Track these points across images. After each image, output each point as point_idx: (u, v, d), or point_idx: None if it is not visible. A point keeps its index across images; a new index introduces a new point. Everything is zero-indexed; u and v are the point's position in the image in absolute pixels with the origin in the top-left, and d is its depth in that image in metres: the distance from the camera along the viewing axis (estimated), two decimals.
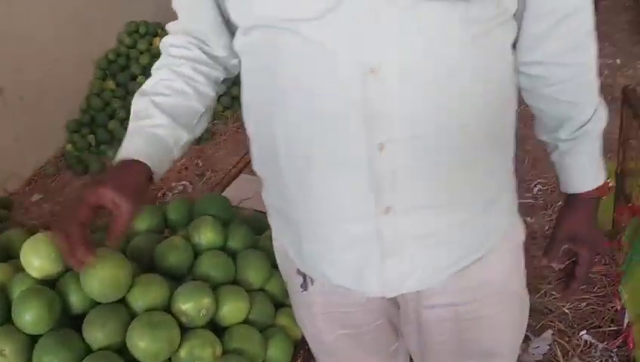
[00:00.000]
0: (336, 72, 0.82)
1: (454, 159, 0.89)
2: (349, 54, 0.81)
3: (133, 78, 3.69)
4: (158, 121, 0.97)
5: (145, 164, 0.93)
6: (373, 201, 0.89)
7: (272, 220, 1.08)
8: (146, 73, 3.54)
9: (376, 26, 0.80)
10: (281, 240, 1.08)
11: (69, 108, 3.54)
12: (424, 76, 0.82)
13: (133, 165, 0.93)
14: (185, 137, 1.00)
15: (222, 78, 1.06)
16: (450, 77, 0.84)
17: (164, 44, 1.04)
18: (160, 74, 1.02)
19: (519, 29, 0.94)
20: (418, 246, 0.93)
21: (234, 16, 0.92)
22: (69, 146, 3.45)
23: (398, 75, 0.82)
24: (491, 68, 0.89)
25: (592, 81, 1.01)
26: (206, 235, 1.28)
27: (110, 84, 3.65)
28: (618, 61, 3.84)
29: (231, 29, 0.98)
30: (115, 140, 3.47)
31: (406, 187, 0.88)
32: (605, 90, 1.03)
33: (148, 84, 1.02)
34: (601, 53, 3.22)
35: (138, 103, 1.00)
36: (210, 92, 1.04)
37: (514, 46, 0.95)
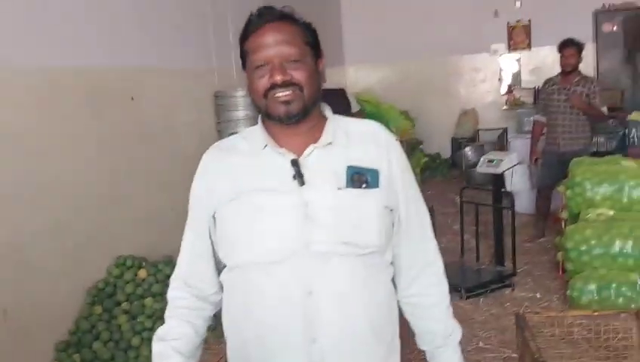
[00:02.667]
0: (287, 293, 1.41)
1: (363, 351, 1.45)
2: (296, 283, 1.41)
3: (118, 304, 4.19)
4: (177, 360, 1.50)
5: None
6: None
7: None
8: (130, 299, 4.10)
9: (311, 268, 1.41)
10: None
11: (58, 329, 3.98)
12: (340, 297, 1.42)
13: None
14: None
15: (212, 314, 1.62)
16: (355, 297, 1.44)
17: (171, 298, 1.60)
18: (172, 322, 1.56)
19: (398, 272, 1.56)
20: None
21: (224, 261, 1.52)
22: None
23: (322, 295, 1.41)
24: (381, 293, 1.51)
25: (449, 306, 1.63)
26: None
27: (98, 309, 4.14)
28: (538, 295, 4.50)
29: (219, 268, 1.57)
30: (97, 360, 3.87)
31: None
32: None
33: (165, 331, 1.55)
34: (524, 288, 4.00)
35: (159, 347, 1.53)
36: (204, 328, 1.60)
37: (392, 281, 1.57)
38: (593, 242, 4.08)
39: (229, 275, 1.51)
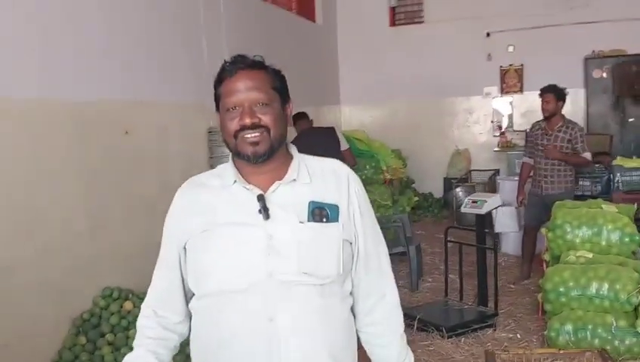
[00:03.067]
0: (251, 320, 1.51)
1: None
2: (259, 310, 1.50)
3: (102, 335, 4.24)
4: None
5: None
6: None
7: None
8: (114, 331, 4.15)
9: (273, 296, 1.50)
10: None
11: (41, 358, 4.02)
12: (300, 324, 1.51)
13: None
14: None
15: (177, 344, 1.72)
16: (314, 324, 1.53)
17: (140, 326, 1.69)
18: (139, 351, 1.65)
19: (356, 301, 1.64)
20: None
21: (194, 290, 1.60)
22: None
23: (284, 322, 1.51)
24: (340, 321, 1.59)
25: (403, 334, 1.72)
26: None
27: (82, 339, 4.18)
28: (518, 336, 4.56)
29: (187, 298, 1.65)
30: None
31: None
32: None
33: (131, 359, 1.63)
34: (506, 329, 4.07)
35: None
36: (169, 357, 1.69)
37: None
38: (571, 284, 4.15)
39: (198, 303, 1.61)
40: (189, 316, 1.67)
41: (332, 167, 1.67)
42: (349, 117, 10.67)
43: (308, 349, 1.52)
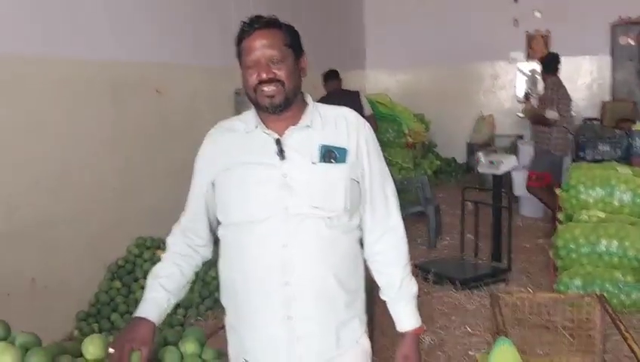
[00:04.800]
0: (268, 245, 1.73)
1: (327, 295, 1.76)
2: (275, 237, 1.72)
3: (136, 280, 4.54)
4: (161, 294, 1.82)
5: (152, 322, 1.77)
6: (283, 316, 1.74)
7: (229, 335, 1.89)
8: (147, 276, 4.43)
9: (287, 226, 1.72)
10: (233, 346, 1.89)
11: (80, 300, 4.35)
12: (309, 250, 1.73)
13: (146, 322, 1.77)
14: (173, 300, 1.86)
15: (200, 263, 1.94)
16: (322, 251, 1.74)
17: (168, 242, 1.92)
18: (165, 263, 1.89)
19: (364, 234, 1.86)
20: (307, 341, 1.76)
21: (219, 218, 1.83)
22: (75, 332, 4.19)
23: (296, 248, 1.72)
24: (346, 250, 1.81)
25: (406, 265, 1.92)
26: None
27: (117, 283, 4.49)
28: (530, 290, 4.75)
29: (212, 226, 1.88)
30: (115, 329, 4.22)
31: (301, 307, 1.73)
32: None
33: (158, 269, 1.87)
34: (518, 283, 4.31)
35: (150, 281, 1.86)
36: (191, 273, 1.92)
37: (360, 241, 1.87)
38: (581, 241, 4.32)
39: (224, 231, 1.85)
40: (212, 242, 1.92)
41: (344, 114, 1.87)
42: (375, 82, 10.79)
43: (314, 272, 1.74)
